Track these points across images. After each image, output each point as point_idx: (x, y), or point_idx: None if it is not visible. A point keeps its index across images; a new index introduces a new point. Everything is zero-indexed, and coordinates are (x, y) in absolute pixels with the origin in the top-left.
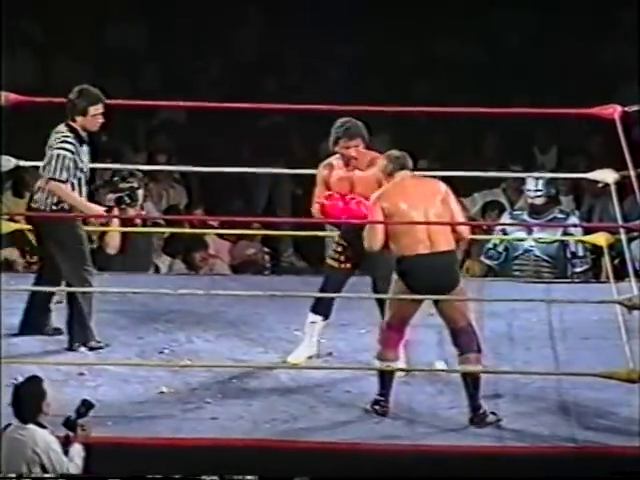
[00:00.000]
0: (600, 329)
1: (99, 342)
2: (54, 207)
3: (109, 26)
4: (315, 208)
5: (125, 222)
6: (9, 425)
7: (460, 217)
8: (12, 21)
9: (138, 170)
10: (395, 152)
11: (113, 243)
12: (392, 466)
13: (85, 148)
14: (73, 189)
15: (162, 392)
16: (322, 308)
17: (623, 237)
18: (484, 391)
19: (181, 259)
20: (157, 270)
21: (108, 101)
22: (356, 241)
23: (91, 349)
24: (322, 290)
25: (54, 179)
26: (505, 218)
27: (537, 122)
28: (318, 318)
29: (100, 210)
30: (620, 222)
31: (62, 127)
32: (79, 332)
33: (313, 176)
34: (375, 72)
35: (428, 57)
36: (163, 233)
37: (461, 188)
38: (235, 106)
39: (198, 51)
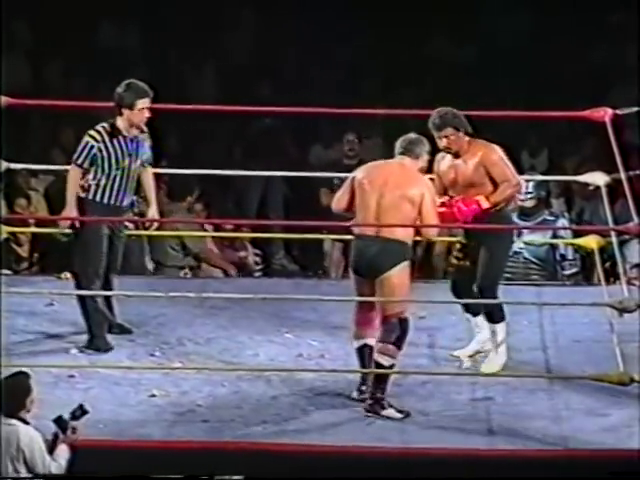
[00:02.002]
0: (591, 332)
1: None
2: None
3: (102, 28)
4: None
5: None
6: None
7: (429, 218)
8: (4, 23)
9: None
10: (409, 136)
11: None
12: (383, 468)
13: (119, 143)
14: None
15: (153, 395)
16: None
17: (614, 240)
18: (475, 394)
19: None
20: (150, 273)
21: (102, 104)
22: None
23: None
24: None
25: (74, 162)
26: None
27: (528, 124)
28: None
29: (69, 214)
30: (611, 225)
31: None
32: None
33: (305, 178)
34: (368, 74)
35: (419, 59)
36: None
37: None
38: (228, 109)
39: (192, 53)
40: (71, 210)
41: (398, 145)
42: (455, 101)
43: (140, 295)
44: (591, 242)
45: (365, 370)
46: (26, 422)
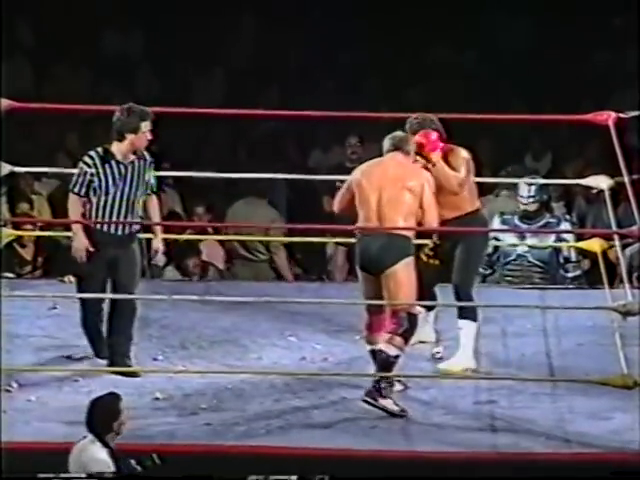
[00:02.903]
0: (595, 335)
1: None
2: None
3: (105, 32)
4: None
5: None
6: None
7: (430, 209)
8: (7, 27)
9: None
10: (397, 133)
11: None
12: (386, 472)
13: (111, 168)
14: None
15: (156, 398)
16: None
17: (617, 243)
18: (478, 397)
19: (174, 266)
20: (151, 276)
21: (105, 107)
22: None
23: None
24: None
25: (71, 190)
26: (497, 223)
27: (532, 128)
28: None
29: (80, 245)
30: (614, 228)
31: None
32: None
33: (307, 181)
34: (371, 78)
35: (423, 63)
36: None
37: None
38: (231, 112)
39: (195, 57)
40: (81, 240)
41: (388, 143)
42: (458, 104)
43: (143, 298)
44: (594, 245)
45: (368, 374)
46: (109, 446)
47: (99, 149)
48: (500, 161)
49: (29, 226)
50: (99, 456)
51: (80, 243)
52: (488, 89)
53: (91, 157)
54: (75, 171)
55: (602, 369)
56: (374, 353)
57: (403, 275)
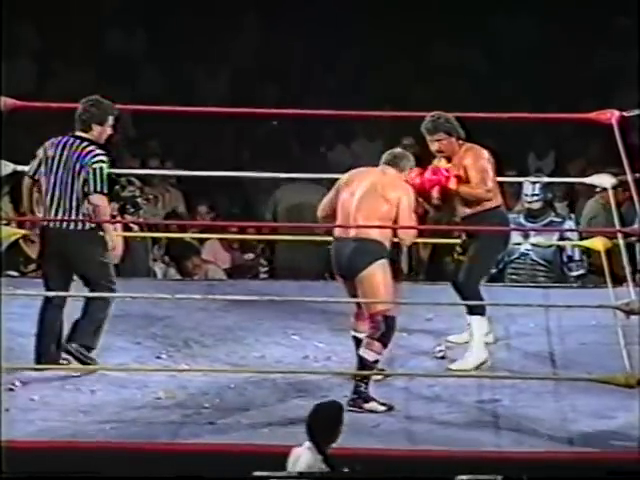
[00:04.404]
0: (598, 334)
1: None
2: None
3: (108, 31)
4: None
5: (127, 229)
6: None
7: (404, 223)
8: (11, 27)
9: (133, 176)
10: (395, 150)
11: (116, 252)
12: (389, 470)
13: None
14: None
15: (159, 397)
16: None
17: (621, 242)
18: (482, 396)
19: (174, 267)
20: (154, 275)
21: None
22: None
23: (79, 357)
24: None
25: (101, 192)
26: None
27: (535, 127)
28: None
29: (119, 248)
30: (617, 226)
31: (72, 139)
32: (86, 335)
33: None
34: (373, 78)
35: (426, 63)
36: (161, 239)
37: None
38: (234, 111)
39: (197, 57)
40: (118, 243)
41: (383, 158)
42: (461, 104)
43: (146, 297)
44: (598, 244)
45: (371, 372)
46: (324, 454)
47: (93, 146)
48: (503, 160)
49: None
50: (315, 465)
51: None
52: (491, 88)
53: (105, 154)
54: (102, 174)
55: (605, 368)
56: (355, 339)
57: (376, 278)
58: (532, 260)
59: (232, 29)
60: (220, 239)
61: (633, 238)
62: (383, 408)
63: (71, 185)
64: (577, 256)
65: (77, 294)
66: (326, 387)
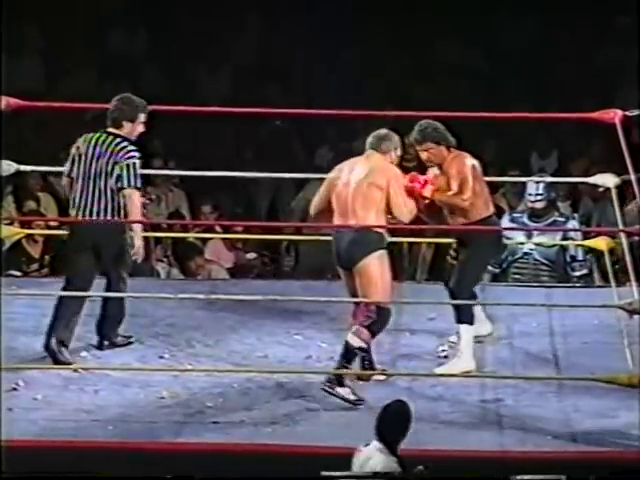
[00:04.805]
0: (601, 334)
1: (128, 337)
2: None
3: (110, 31)
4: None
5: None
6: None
7: (397, 206)
8: (15, 26)
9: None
10: (377, 132)
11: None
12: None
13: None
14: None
15: (163, 397)
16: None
17: (624, 241)
18: (484, 395)
19: (177, 267)
20: (157, 275)
21: (102, 105)
22: None
23: (120, 345)
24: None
25: (136, 187)
26: (505, 221)
27: (538, 126)
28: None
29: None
30: (620, 226)
31: (105, 135)
32: (109, 332)
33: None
34: (375, 76)
35: (428, 61)
36: (165, 239)
37: None
38: (237, 111)
39: (199, 56)
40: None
41: (367, 141)
42: (463, 103)
43: (149, 297)
44: (601, 243)
45: (374, 372)
46: (397, 455)
47: (125, 142)
48: (505, 160)
49: (41, 223)
50: (390, 466)
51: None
52: (494, 88)
53: (135, 150)
54: (135, 168)
55: (608, 367)
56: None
57: (373, 269)
58: (535, 260)
59: (234, 29)
60: (223, 239)
61: (636, 238)
62: (354, 398)
63: (104, 181)
64: (580, 256)
65: (76, 293)
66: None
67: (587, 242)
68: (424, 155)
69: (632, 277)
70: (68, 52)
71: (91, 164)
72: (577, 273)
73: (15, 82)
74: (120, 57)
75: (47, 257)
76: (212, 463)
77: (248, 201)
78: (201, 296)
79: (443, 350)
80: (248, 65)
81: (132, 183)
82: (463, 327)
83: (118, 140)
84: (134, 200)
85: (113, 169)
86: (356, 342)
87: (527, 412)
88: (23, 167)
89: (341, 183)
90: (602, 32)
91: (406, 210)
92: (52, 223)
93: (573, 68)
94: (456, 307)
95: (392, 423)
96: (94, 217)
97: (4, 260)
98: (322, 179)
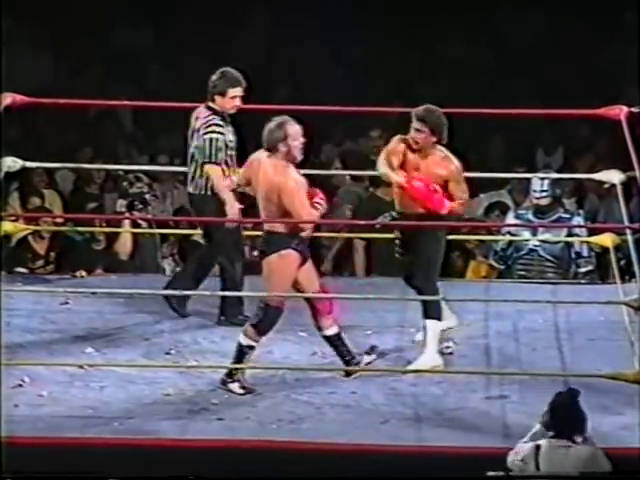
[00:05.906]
0: (606, 330)
1: (246, 316)
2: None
3: (116, 28)
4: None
5: (135, 225)
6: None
7: (290, 204)
8: (19, 23)
9: (143, 172)
10: (269, 125)
11: (124, 249)
12: (398, 467)
13: (230, 127)
14: (224, 171)
15: (168, 393)
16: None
17: (629, 238)
18: (490, 392)
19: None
20: (163, 272)
21: (113, 102)
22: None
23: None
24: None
25: (210, 162)
26: (510, 218)
27: (543, 123)
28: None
29: (235, 205)
30: (626, 223)
31: (203, 110)
32: (230, 310)
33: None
34: (380, 73)
35: (433, 58)
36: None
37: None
38: (243, 107)
39: (204, 53)
40: (232, 200)
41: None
42: (470, 100)
43: (155, 293)
44: (606, 240)
45: (378, 368)
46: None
47: (212, 116)
48: (511, 156)
49: (47, 219)
50: (597, 453)
51: (234, 203)
52: (500, 84)
53: (218, 125)
54: (209, 144)
55: (613, 364)
56: (326, 338)
57: (272, 267)
58: (540, 256)
59: (240, 25)
60: None
61: None
62: (241, 391)
63: (192, 154)
64: (585, 252)
65: (74, 291)
66: (333, 384)
67: (593, 239)
68: (413, 133)
69: (638, 274)
70: (73, 48)
71: (192, 137)
72: (582, 269)
73: (19, 79)
74: (125, 54)
75: (52, 254)
76: (217, 460)
77: (254, 197)
78: (207, 292)
79: (447, 347)
80: (253, 62)
81: (206, 158)
82: (430, 322)
83: (207, 114)
84: (211, 175)
85: (198, 142)
86: (243, 339)
87: (532, 409)
88: (29, 164)
89: (255, 183)
90: (609, 28)
91: (301, 215)
92: (58, 220)
93: (579, 65)
94: (423, 302)
95: (562, 414)
96: (193, 188)
97: (11, 257)
98: (328, 176)
